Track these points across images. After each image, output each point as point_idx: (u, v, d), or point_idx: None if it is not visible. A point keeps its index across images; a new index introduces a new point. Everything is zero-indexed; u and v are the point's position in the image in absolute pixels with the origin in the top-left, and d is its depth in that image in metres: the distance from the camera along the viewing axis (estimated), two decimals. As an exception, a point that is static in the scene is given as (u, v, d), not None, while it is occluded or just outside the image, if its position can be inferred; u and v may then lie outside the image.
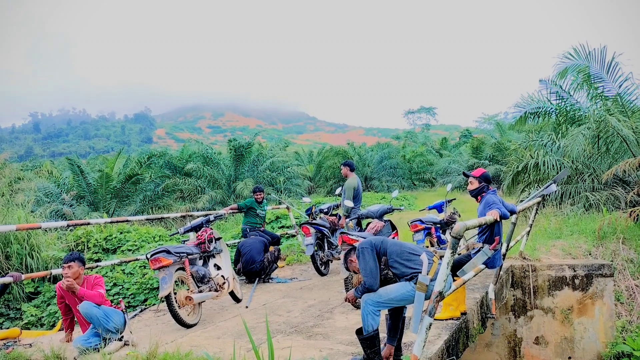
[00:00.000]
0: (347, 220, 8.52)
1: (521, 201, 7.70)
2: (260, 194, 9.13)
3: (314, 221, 8.49)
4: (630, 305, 7.78)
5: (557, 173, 10.26)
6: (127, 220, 8.59)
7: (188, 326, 5.60)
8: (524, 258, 8.22)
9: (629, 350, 7.02)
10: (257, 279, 8.17)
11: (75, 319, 5.15)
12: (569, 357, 7.84)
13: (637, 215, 9.21)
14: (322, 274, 8.37)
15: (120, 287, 8.42)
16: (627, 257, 8.43)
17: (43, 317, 8.21)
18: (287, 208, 10.85)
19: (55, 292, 5.05)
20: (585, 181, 11.46)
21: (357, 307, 5.85)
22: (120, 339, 4.82)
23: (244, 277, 8.35)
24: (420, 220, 8.47)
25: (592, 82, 11.44)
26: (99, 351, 4.57)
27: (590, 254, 8.53)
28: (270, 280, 8.35)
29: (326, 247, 8.49)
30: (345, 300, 4.29)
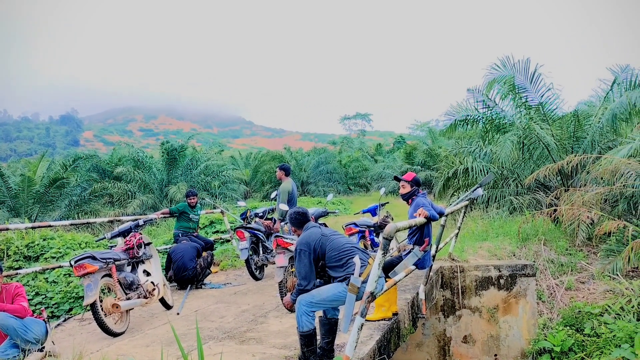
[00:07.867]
0: (282, 223, 8.50)
1: (450, 205, 7.97)
2: (193, 198, 8.93)
3: (248, 225, 8.39)
4: (550, 303, 8.20)
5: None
6: (50, 226, 8.11)
7: (115, 335, 5.38)
8: (453, 259, 8.50)
9: (549, 346, 7.38)
10: (190, 285, 7.97)
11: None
12: (495, 355, 8.16)
13: (556, 217, 9.74)
14: (256, 279, 8.29)
15: (43, 296, 7.96)
16: (548, 257, 8.90)
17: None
18: (222, 212, 10.67)
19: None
20: (510, 186, 12.02)
21: (293, 311, 5.82)
22: (41, 350, 4.54)
23: (176, 284, 8.12)
24: (354, 224, 8.59)
25: (517, 92, 11.98)
26: (16, 363, 4.30)
27: (514, 255, 8.94)
28: (203, 286, 8.17)
29: (261, 252, 8.40)
30: (285, 306, 4.27)
